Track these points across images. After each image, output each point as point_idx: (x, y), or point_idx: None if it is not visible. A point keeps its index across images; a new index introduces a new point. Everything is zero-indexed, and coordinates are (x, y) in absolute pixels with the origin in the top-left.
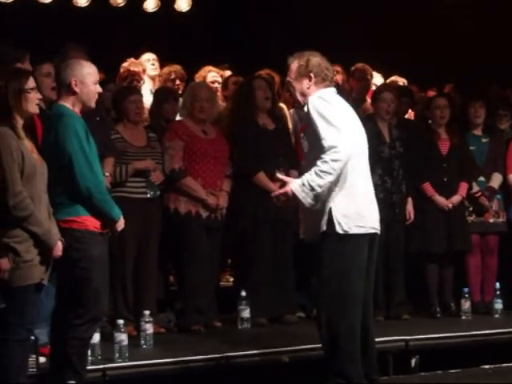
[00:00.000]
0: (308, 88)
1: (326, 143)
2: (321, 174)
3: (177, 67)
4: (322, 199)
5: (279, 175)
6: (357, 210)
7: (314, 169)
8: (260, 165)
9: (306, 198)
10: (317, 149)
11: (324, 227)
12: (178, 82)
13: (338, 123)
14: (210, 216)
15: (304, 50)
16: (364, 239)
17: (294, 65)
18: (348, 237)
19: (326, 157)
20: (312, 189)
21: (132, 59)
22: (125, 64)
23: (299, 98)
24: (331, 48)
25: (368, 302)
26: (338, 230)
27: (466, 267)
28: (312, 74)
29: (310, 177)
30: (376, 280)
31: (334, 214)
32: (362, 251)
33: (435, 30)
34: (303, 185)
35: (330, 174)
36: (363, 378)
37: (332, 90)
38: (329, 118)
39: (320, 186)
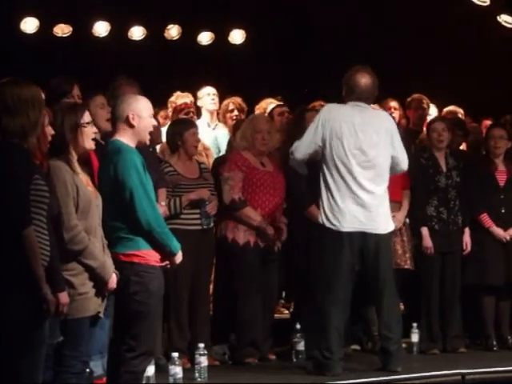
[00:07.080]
0: (343, 97)
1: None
2: None
3: (236, 99)
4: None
5: None
6: (333, 210)
7: None
8: (313, 199)
9: None
10: None
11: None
12: (236, 112)
13: (308, 134)
14: (267, 246)
15: None
16: (339, 237)
17: None
18: (325, 229)
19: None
20: None
21: (178, 92)
22: (172, 98)
23: None
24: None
25: (378, 294)
26: (320, 220)
27: None
28: (344, 87)
29: None
30: (431, 312)
31: (320, 207)
32: (337, 246)
33: (495, 57)
34: None
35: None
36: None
37: (353, 104)
38: (309, 128)
39: None
